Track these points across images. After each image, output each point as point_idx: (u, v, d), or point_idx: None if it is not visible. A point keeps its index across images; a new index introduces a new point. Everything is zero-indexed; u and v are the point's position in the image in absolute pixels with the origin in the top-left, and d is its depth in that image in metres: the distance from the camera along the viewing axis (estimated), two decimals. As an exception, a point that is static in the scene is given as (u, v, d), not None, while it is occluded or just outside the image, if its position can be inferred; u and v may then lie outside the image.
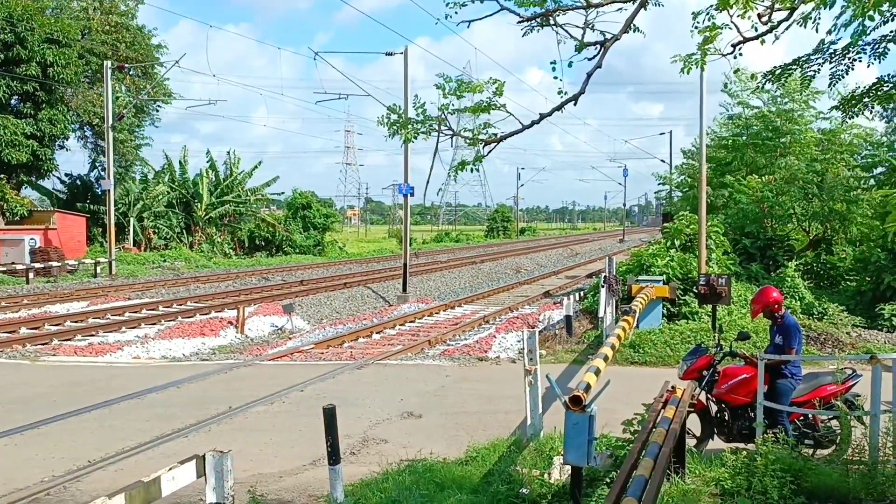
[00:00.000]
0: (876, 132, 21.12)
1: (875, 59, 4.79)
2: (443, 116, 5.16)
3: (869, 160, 21.34)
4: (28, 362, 14.11)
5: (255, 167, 48.44)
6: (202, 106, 33.85)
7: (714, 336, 10.07)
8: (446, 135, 5.19)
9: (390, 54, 25.24)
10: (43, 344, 15.86)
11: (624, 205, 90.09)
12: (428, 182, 25.37)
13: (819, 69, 5.04)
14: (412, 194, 26.67)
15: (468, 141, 5.15)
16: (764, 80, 5.86)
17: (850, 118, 7.16)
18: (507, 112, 5.06)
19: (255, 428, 9.43)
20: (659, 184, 37.58)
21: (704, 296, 14.12)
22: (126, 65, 36.63)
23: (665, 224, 21.38)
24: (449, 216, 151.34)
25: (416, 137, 5.15)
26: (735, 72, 22.46)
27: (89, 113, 37.05)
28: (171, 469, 4.78)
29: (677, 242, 18.10)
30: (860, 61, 4.81)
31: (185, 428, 9.30)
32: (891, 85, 5.01)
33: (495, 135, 5.14)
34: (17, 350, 15.13)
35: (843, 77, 5.06)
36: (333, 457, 5.68)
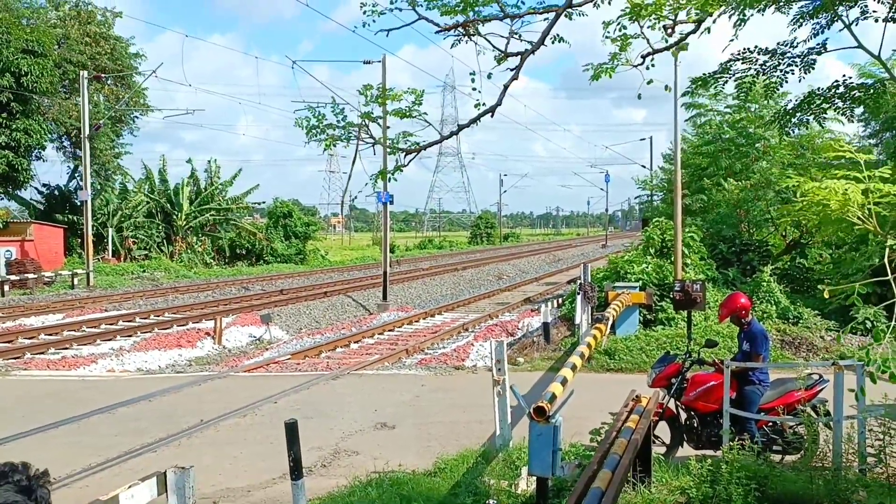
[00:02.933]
0: (847, 136, 21.33)
1: (804, 72, 4.84)
2: (364, 124, 5.12)
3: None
4: (-1, 377, 13.93)
5: (235, 175, 48.06)
6: (182, 115, 33.63)
7: (687, 342, 10.11)
8: (367, 143, 5.15)
9: (368, 63, 25.25)
10: (15, 358, 15.65)
11: (606, 210, 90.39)
12: (347, 188, 25.60)
13: (754, 80, 5.08)
14: (391, 202, 26.65)
15: (389, 150, 5.11)
16: (694, 87, 5.92)
17: (786, 134, 7.25)
18: (427, 122, 5.04)
19: (226, 441, 9.34)
20: (638, 188, 37.80)
21: (679, 301, 14.15)
22: (103, 75, 36.33)
23: (644, 229, 21.50)
24: (433, 223, 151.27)
25: (335, 145, 5.10)
26: (695, 87, 22.66)
27: (66, 123, 36.70)
28: (130, 487, 4.70)
29: (652, 249, 18.17)
30: (793, 73, 4.86)
31: (154, 442, 9.20)
32: (822, 98, 5.06)
33: (417, 143, 5.09)
34: (-12, 364, 14.93)
35: (779, 88, 5.10)
36: (296, 472, 5.63)
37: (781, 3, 4.57)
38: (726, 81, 5.26)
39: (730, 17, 4.49)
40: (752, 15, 4.49)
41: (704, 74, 5.33)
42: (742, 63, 4.88)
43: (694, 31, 4.80)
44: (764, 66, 4.82)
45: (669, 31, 4.80)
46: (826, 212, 5.67)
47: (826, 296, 5.24)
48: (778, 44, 4.79)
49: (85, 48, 37.66)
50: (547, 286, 31.83)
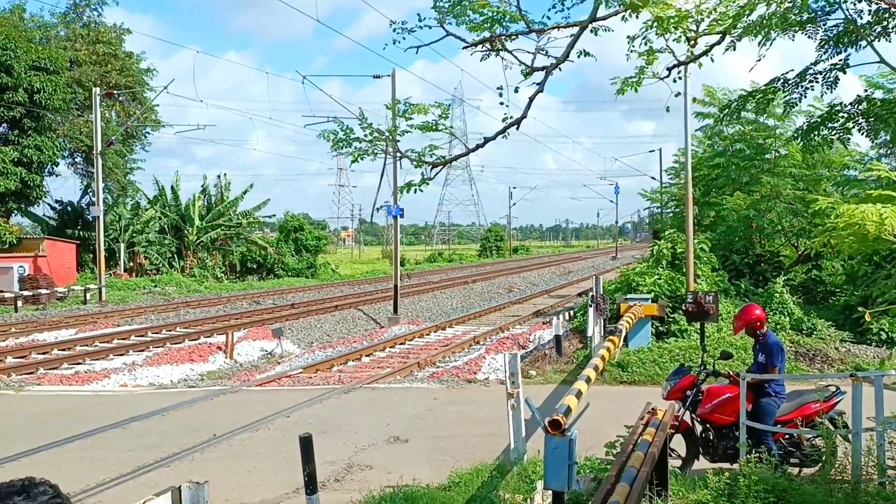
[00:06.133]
0: (858, 146, 21.17)
1: (826, 88, 4.83)
2: (391, 138, 5.13)
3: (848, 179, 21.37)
4: (12, 392, 13.96)
5: (246, 190, 48.33)
6: (193, 131, 33.81)
7: (702, 354, 10.04)
8: (393, 157, 5.17)
9: (377, 77, 25.41)
10: (29, 373, 15.70)
11: (616, 222, 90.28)
12: (375, 202, 25.55)
13: (773, 97, 5.07)
14: (402, 216, 26.69)
15: (414, 163, 5.12)
16: (722, 116, 5.92)
17: (809, 151, 7.22)
18: (453, 135, 5.05)
19: (239, 456, 9.33)
20: (647, 200, 37.66)
21: (692, 313, 14.04)
22: (115, 91, 36.66)
23: (654, 241, 21.42)
24: (443, 236, 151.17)
25: (362, 158, 5.11)
26: (703, 97, 22.60)
27: (78, 139, 37.02)
28: (144, 502, 4.70)
29: (664, 261, 18.10)
30: (812, 90, 4.85)
31: (168, 457, 9.19)
32: (845, 116, 5.03)
33: (442, 157, 5.10)
34: (1, 380, 14.96)
35: (797, 104, 5.09)
36: (310, 486, 5.61)
37: (807, 29, 4.55)
38: (744, 106, 5.25)
39: (753, 39, 4.49)
40: (776, 37, 4.49)
41: (730, 102, 5.32)
42: (781, 87, 4.87)
43: (719, 42, 4.79)
44: (786, 83, 4.81)
45: (693, 42, 4.80)
46: (862, 232, 5.65)
47: (867, 318, 5.23)
48: (799, 74, 4.78)
49: (95, 66, 38.04)
50: (557, 299, 31.73)
